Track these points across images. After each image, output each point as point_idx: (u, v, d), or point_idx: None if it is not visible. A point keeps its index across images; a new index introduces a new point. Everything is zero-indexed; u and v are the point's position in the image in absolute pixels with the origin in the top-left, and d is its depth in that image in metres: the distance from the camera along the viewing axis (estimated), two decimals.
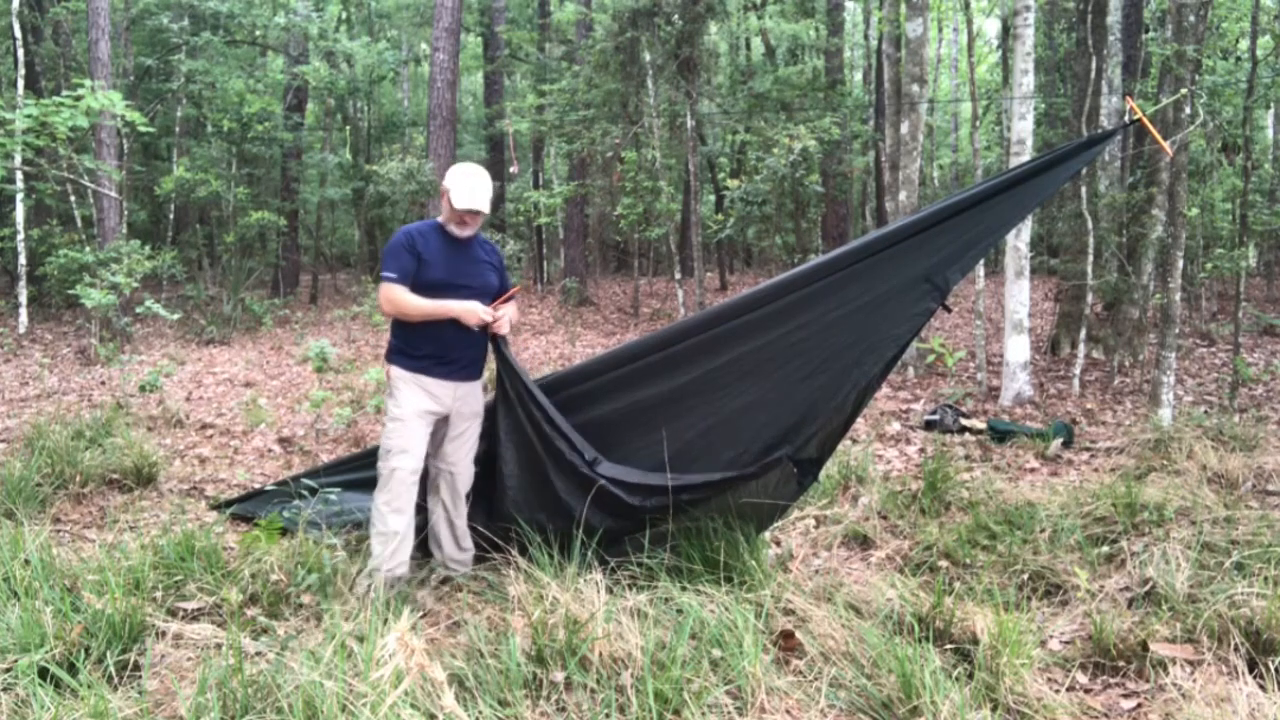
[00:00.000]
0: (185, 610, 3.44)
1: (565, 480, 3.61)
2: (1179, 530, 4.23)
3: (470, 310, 3.68)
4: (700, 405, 3.57)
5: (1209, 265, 10.07)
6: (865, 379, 3.34)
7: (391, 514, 3.64)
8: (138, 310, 10.10)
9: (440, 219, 3.85)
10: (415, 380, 3.72)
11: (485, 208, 3.70)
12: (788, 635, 3.13)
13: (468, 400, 3.84)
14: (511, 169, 17.62)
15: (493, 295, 3.88)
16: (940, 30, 22.19)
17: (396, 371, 3.76)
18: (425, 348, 3.73)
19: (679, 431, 3.59)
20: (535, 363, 10.48)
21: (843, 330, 3.36)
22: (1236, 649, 2.96)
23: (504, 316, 3.80)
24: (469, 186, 3.70)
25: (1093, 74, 9.05)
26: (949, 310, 3.73)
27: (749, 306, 3.50)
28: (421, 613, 3.41)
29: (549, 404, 3.66)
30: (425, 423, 3.73)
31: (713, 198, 19.78)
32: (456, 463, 3.84)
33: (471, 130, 21.40)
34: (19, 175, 11.38)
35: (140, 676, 2.90)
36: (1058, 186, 3.47)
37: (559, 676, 2.79)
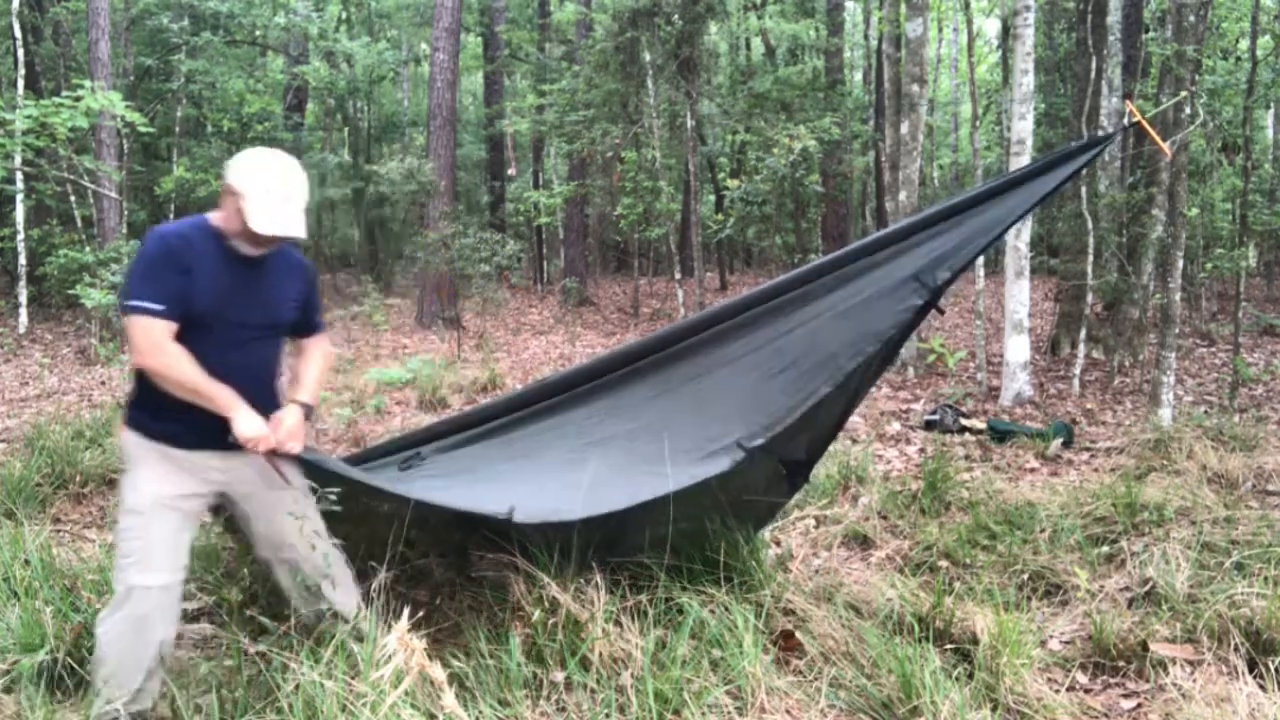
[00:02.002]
0: (185, 610, 3.44)
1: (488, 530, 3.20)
2: (1179, 530, 4.23)
3: (253, 433, 2.49)
4: (660, 403, 3.37)
5: (1209, 265, 10.07)
6: (842, 375, 3.16)
7: (127, 648, 2.54)
8: None
9: (217, 220, 2.56)
10: (160, 452, 2.54)
11: (299, 234, 2.51)
12: (788, 635, 3.13)
13: (254, 465, 2.63)
14: (510, 171, 17.64)
15: (287, 335, 2.83)
16: (940, 30, 22.18)
17: (132, 440, 2.55)
18: (175, 405, 2.48)
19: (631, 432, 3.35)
20: (535, 363, 10.49)
21: (824, 331, 3.24)
22: (1236, 649, 2.96)
23: (286, 426, 2.57)
24: (276, 199, 2.47)
25: (1093, 74, 9.04)
26: (941, 312, 3.70)
27: (727, 315, 3.38)
28: None
29: (420, 493, 2.89)
30: (178, 515, 2.57)
31: (713, 198, 19.78)
32: (288, 545, 2.71)
33: (471, 130, 21.39)
34: (19, 175, 11.38)
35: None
36: (1055, 190, 3.44)
37: (559, 676, 2.79)
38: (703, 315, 3.52)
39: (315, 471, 2.71)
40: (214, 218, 2.57)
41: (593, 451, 3.32)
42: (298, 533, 2.68)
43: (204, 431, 2.50)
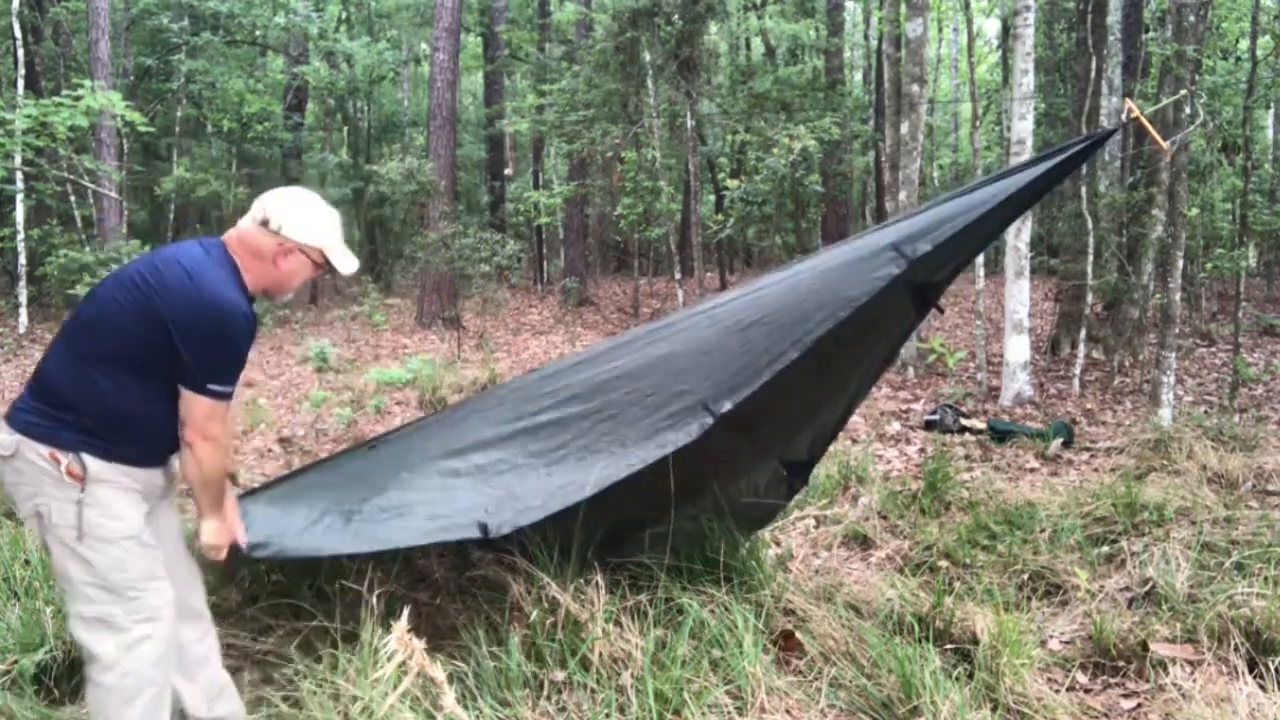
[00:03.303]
0: None
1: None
2: (1179, 530, 4.23)
3: (221, 541, 2.48)
4: (626, 377, 3.21)
5: (1209, 265, 10.07)
6: (810, 339, 2.94)
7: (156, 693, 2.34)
8: None
9: (243, 270, 2.40)
10: (126, 475, 2.33)
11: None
12: (788, 635, 3.13)
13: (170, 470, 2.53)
14: (507, 171, 17.65)
15: None
16: (940, 30, 22.18)
17: (96, 466, 2.27)
18: (151, 431, 2.36)
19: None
20: (535, 363, 10.49)
21: (796, 291, 3.09)
22: (1236, 649, 2.96)
23: (232, 520, 2.55)
24: (341, 240, 2.53)
25: (1093, 74, 9.04)
26: (941, 311, 3.67)
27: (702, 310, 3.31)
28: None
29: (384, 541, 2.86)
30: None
31: (713, 198, 19.77)
32: (171, 560, 2.48)
33: (471, 130, 21.39)
34: (19, 175, 11.38)
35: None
36: (1051, 184, 3.38)
37: (559, 676, 2.79)
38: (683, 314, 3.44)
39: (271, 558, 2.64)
40: (246, 274, 2.41)
41: (557, 433, 3.17)
42: (178, 541, 2.55)
43: (161, 449, 2.41)
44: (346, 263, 2.50)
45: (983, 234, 3.35)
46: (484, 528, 2.75)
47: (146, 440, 2.36)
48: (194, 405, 2.28)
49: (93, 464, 2.26)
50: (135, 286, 2.28)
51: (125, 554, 2.28)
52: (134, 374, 2.29)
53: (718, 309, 3.28)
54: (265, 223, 2.39)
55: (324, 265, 2.49)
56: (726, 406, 2.89)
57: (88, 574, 2.25)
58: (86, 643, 2.26)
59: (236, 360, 2.32)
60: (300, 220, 2.41)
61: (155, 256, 2.38)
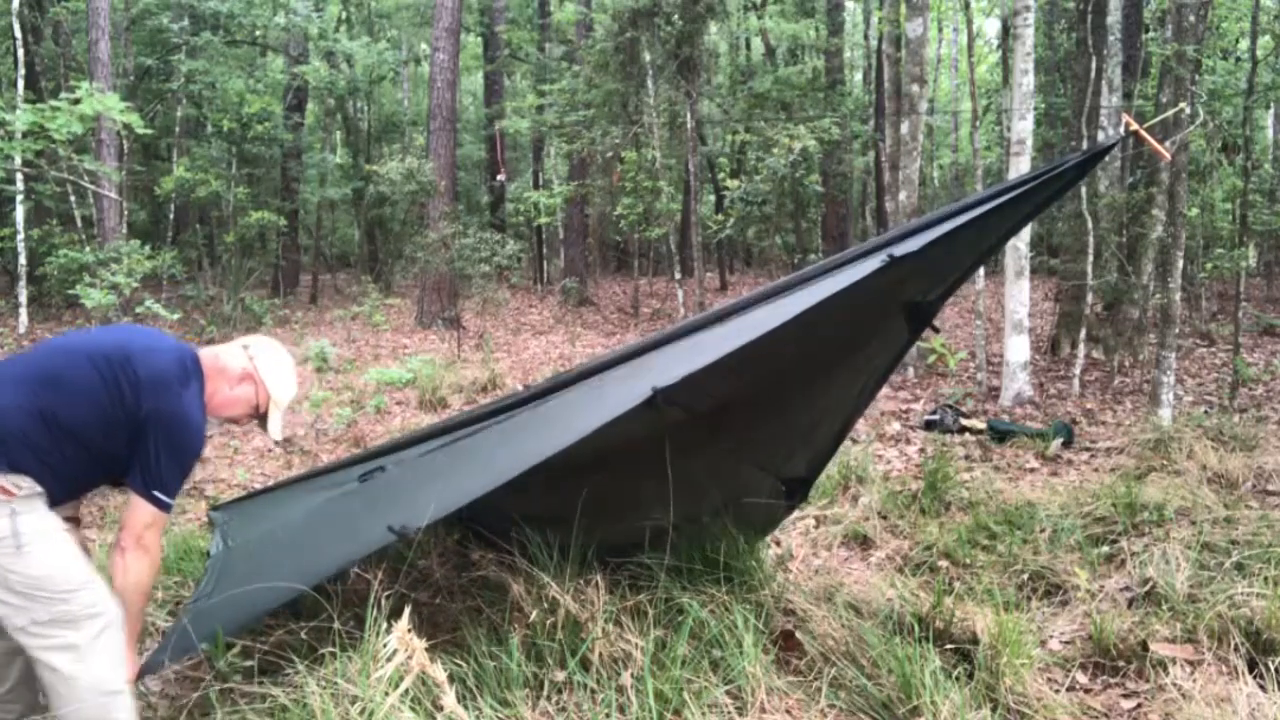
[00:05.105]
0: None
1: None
2: (1179, 530, 4.23)
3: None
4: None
5: (1209, 265, 10.08)
6: (766, 327, 2.74)
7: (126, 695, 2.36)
8: (138, 310, 10.09)
9: (205, 389, 2.53)
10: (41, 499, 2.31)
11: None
12: (788, 635, 3.13)
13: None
14: (500, 176, 17.66)
15: None
16: (940, 30, 22.19)
17: (29, 483, 2.25)
18: (61, 491, 2.38)
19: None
20: (535, 363, 10.48)
21: (774, 304, 2.93)
22: (1236, 649, 2.96)
23: None
24: (285, 410, 2.71)
25: (1093, 74, 9.04)
26: (936, 330, 3.63)
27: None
28: None
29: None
30: None
31: (713, 198, 19.77)
32: None
33: (471, 130, 21.39)
34: (19, 176, 11.37)
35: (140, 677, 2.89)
36: (1049, 202, 3.32)
37: (559, 676, 2.79)
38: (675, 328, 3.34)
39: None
40: (209, 389, 2.54)
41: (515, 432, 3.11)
42: None
43: (61, 496, 2.40)
44: (276, 428, 2.67)
45: (978, 247, 3.29)
46: (403, 527, 2.63)
47: (55, 489, 2.35)
48: (138, 510, 2.38)
49: (25, 481, 2.24)
50: (111, 364, 2.34)
51: (65, 553, 2.29)
52: (79, 445, 2.34)
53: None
54: (246, 347, 2.64)
55: (258, 414, 2.65)
56: (671, 382, 2.69)
57: (34, 583, 2.21)
58: (46, 655, 2.23)
59: (184, 477, 2.47)
60: (273, 365, 2.64)
61: (130, 341, 2.45)
